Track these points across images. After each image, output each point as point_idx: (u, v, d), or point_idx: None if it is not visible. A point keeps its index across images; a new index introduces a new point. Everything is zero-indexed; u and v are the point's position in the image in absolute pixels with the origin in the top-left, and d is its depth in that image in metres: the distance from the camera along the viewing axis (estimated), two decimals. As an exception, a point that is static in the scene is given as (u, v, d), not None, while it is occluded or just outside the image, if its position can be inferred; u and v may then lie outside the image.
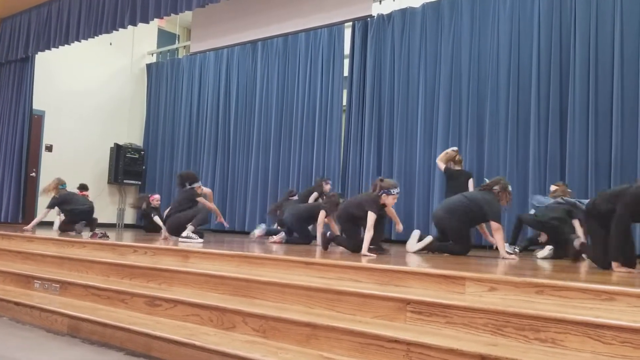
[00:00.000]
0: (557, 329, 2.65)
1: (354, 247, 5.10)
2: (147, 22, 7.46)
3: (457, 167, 6.61)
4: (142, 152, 11.85)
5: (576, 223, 5.59)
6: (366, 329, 2.96)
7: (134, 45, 12.08)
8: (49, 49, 8.80)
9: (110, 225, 11.31)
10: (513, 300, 3.01)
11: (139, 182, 11.78)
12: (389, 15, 8.68)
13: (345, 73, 9.19)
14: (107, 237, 6.32)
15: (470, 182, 6.53)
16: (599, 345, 2.54)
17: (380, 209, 5.14)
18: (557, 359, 2.45)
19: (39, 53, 9.38)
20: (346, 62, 9.19)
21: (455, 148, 6.90)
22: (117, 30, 7.79)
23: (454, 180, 6.47)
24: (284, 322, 3.23)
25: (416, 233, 5.81)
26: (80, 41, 8.33)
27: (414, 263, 4.30)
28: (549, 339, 2.66)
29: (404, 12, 8.52)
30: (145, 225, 9.23)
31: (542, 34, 7.24)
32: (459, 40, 7.94)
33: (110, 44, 11.23)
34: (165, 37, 12.72)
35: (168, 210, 6.79)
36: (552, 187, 6.23)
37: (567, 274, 3.82)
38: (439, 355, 2.65)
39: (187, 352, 3.23)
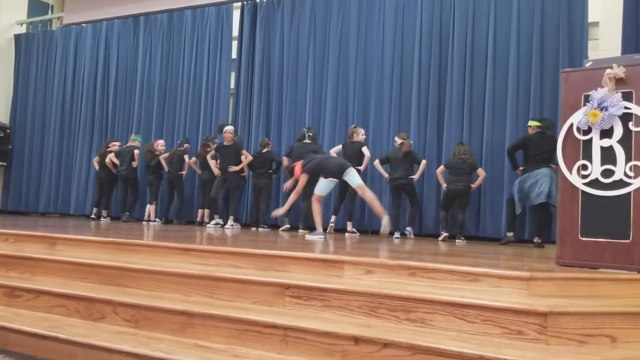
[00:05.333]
0: (426, 309, 2.76)
1: None
2: (14, -12, 6.81)
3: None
4: (8, 131, 10.87)
5: None
6: (244, 315, 2.91)
7: (1, 14, 11.00)
8: None
9: (-29, 210, 10.31)
10: (387, 283, 3.10)
11: (4, 163, 10.83)
12: (279, -1, 8.62)
13: (234, 55, 9.01)
14: (-37, 222, 5.72)
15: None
16: (463, 324, 2.68)
17: None
18: (426, 337, 2.55)
19: None
20: (235, 43, 9.01)
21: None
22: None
23: None
24: (157, 311, 3.09)
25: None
26: None
27: (295, 248, 4.31)
28: (418, 319, 2.76)
29: (294, -3, 8.50)
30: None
31: (424, 29, 7.56)
32: (347, 30, 8.08)
33: (-28, 10, 10.16)
34: (36, 7, 11.69)
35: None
36: None
37: (439, 256, 4.02)
38: (314, 339, 2.66)
39: (50, 346, 3.00)
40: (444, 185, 6.77)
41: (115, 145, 9.15)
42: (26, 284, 3.66)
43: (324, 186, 5.93)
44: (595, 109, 3.31)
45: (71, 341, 2.92)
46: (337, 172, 5.89)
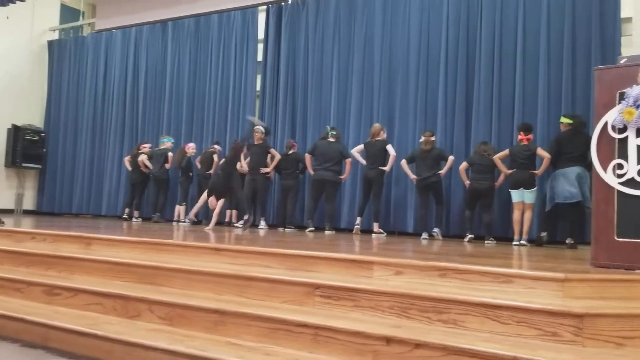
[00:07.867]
0: (458, 310, 2.75)
1: None
2: (47, -5, 6.98)
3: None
4: (43, 134, 11.13)
5: None
6: (275, 314, 2.94)
7: (34, 20, 11.28)
8: None
9: (8, 211, 10.57)
10: (418, 283, 3.10)
11: (40, 166, 11.10)
12: (303, 1, 8.64)
13: (259, 58, 9.07)
14: (3, 223, 5.88)
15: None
16: (496, 325, 2.66)
17: None
18: (458, 339, 2.53)
19: None
20: (260, 46, 9.07)
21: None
22: (14, 2, 7.23)
23: None
24: (191, 309, 3.15)
25: None
26: (-30, 12, 7.66)
27: (324, 248, 4.33)
28: (450, 320, 2.75)
29: (318, -1, 8.52)
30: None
31: (451, 26, 7.48)
32: (372, 30, 8.06)
33: (7, 17, 10.43)
34: (68, 13, 11.96)
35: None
36: None
37: (469, 257, 3.99)
38: (345, 338, 2.67)
39: (88, 342, 3.07)
40: (467, 183, 6.69)
41: (145, 147, 9.29)
42: (64, 283, 3.76)
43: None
44: (630, 106, 3.25)
45: (109, 338, 2.99)
46: None
